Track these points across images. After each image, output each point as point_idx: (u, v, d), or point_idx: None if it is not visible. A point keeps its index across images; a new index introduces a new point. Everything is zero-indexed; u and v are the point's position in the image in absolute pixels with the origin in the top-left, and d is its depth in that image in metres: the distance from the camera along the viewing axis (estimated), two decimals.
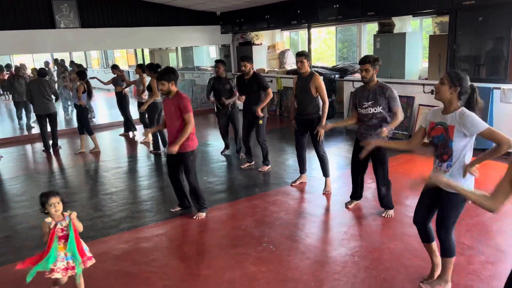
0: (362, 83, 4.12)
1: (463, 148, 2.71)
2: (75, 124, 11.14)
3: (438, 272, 3.06)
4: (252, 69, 5.92)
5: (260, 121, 5.88)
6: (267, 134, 8.40)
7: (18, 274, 3.57)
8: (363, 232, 4.05)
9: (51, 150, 7.96)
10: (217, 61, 6.64)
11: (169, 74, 4.15)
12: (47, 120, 7.81)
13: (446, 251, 2.90)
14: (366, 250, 3.66)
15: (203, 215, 4.55)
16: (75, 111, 8.05)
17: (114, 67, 9.11)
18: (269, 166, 6.15)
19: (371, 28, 9.73)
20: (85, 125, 7.61)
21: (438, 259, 3.05)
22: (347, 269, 3.38)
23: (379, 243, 3.81)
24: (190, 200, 4.65)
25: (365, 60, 3.94)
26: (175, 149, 4.15)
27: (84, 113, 7.55)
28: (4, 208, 5.19)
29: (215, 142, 7.62)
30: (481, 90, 6.20)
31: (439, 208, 2.90)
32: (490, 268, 3.25)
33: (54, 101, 7.80)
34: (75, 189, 5.81)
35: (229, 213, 4.68)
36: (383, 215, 4.33)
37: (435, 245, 3.06)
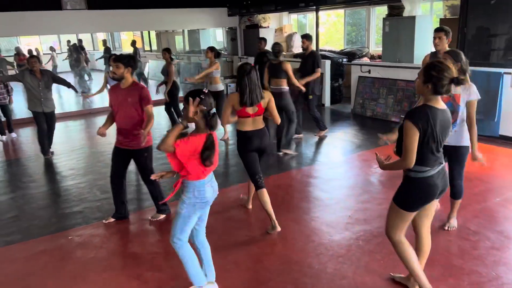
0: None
1: (463, 111, 3.26)
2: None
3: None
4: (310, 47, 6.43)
5: (310, 96, 6.36)
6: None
7: (25, 253, 3.64)
8: (368, 216, 4.04)
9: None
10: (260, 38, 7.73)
11: (129, 59, 3.78)
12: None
13: (458, 194, 3.55)
14: (370, 234, 3.67)
15: (161, 217, 4.19)
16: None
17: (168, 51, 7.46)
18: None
19: (381, 11, 9.56)
20: None
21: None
22: (351, 252, 3.39)
23: (384, 227, 3.79)
24: (127, 209, 4.22)
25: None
26: (143, 142, 3.73)
27: None
28: (11, 189, 5.25)
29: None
30: (492, 75, 6.11)
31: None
32: (495, 254, 3.24)
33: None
34: (82, 171, 5.85)
35: (234, 196, 4.70)
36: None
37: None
